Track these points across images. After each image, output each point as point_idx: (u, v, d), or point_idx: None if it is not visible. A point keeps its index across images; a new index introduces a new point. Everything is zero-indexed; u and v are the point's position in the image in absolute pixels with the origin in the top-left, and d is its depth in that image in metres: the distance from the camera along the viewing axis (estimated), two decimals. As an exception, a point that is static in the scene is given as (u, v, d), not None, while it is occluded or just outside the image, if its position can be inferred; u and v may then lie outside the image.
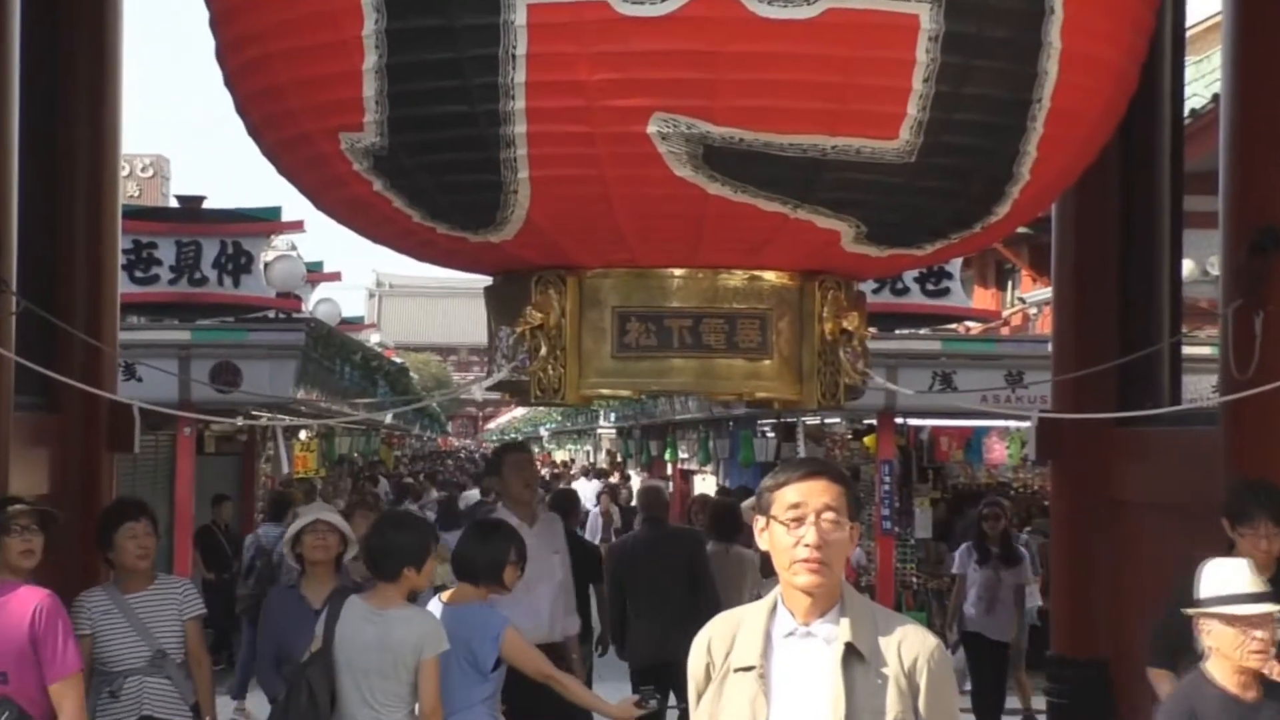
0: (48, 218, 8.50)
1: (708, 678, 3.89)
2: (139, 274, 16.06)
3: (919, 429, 17.86)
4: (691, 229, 5.32)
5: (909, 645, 3.78)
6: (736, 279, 5.67)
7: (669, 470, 30.45)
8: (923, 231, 5.63)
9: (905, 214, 5.39)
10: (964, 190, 5.36)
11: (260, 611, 8.04)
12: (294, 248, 23.27)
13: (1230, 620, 5.01)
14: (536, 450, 50.39)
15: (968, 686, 11.94)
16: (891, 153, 4.98)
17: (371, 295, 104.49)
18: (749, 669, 3.78)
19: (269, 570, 12.51)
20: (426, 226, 5.52)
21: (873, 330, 8.70)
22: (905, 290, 15.90)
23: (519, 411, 63.50)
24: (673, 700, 9.53)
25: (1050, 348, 10.18)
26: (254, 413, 15.49)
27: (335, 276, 27.36)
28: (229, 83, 5.76)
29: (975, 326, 20.78)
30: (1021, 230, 12.24)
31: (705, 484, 24.98)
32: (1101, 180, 8.28)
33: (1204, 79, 14.49)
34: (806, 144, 4.89)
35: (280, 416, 14.45)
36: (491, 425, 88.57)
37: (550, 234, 5.37)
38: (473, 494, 22.73)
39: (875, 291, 15.11)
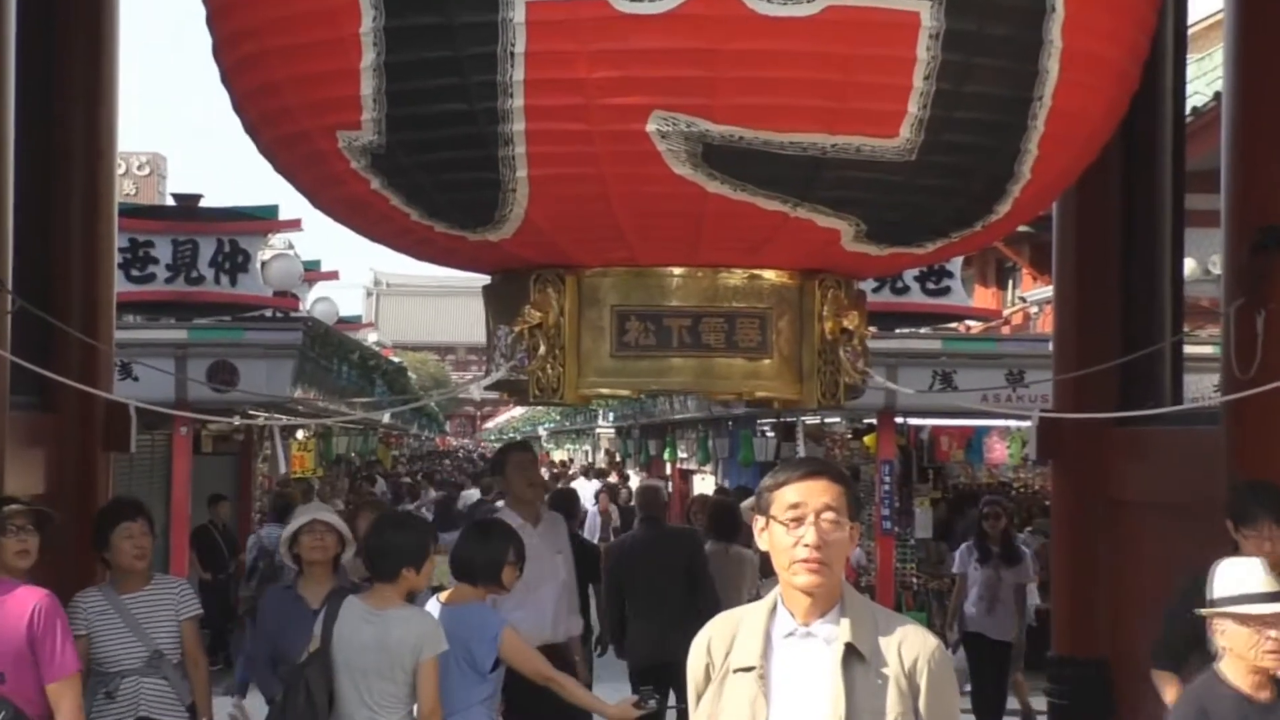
0: (43, 216, 8.48)
1: (707, 678, 3.88)
2: (135, 273, 16.08)
3: (919, 428, 17.86)
4: (691, 228, 5.30)
5: (909, 645, 3.77)
6: (736, 278, 5.66)
7: (668, 470, 30.45)
8: (923, 230, 5.61)
9: (906, 212, 5.38)
10: (965, 188, 5.35)
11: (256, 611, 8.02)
12: (291, 246, 23.30)
13: (1244, 620, 4.98)
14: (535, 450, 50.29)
15: (968, 687, 11.92)
16: (892, 151, 4.96)
17: (369, 294, 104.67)
18: (749, 669, 3.77)
19: (272, 571, 12.51)
20: (424, 225, 5.50)
21: (873, 329, 8.70)
22: (905, 289, 15.92)
23: (517, 411, 63.54)
24: (672, 700, 9.51)
25: (1051, 347, 10.18)
26: (251, 412, 15.49)
27: (333, 275, 27.38)
28: (226, 80, 5.75)
29: (976, 325, 20.78)
30: (1022, 229, 12.24)
31: (704, 484, 25.00)
32: (1103, 179, 8.27)
33: (1206, 77, 14.51)
34: (806, 142, 4.87)
35: (277, 416, 14.45)
36: (490, 425, 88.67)
37: (549, 233, 5.35)
38: (472, 494, 22.73)
39: (875, 290, 15.14)
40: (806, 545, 3.72)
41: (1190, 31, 10.63)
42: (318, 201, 5.91)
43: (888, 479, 16.10)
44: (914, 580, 16.94)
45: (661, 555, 9.97)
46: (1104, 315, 8.95)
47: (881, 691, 3.70)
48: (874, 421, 16.87)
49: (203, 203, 17.60)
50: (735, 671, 3.80)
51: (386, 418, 33.98)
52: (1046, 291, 17.87)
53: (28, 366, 6.91)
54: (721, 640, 3.88)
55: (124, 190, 32.74)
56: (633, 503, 18.84)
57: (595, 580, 10.76)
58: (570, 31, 4.72)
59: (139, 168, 38.44)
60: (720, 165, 4.92)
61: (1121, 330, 8.86)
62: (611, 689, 8.86)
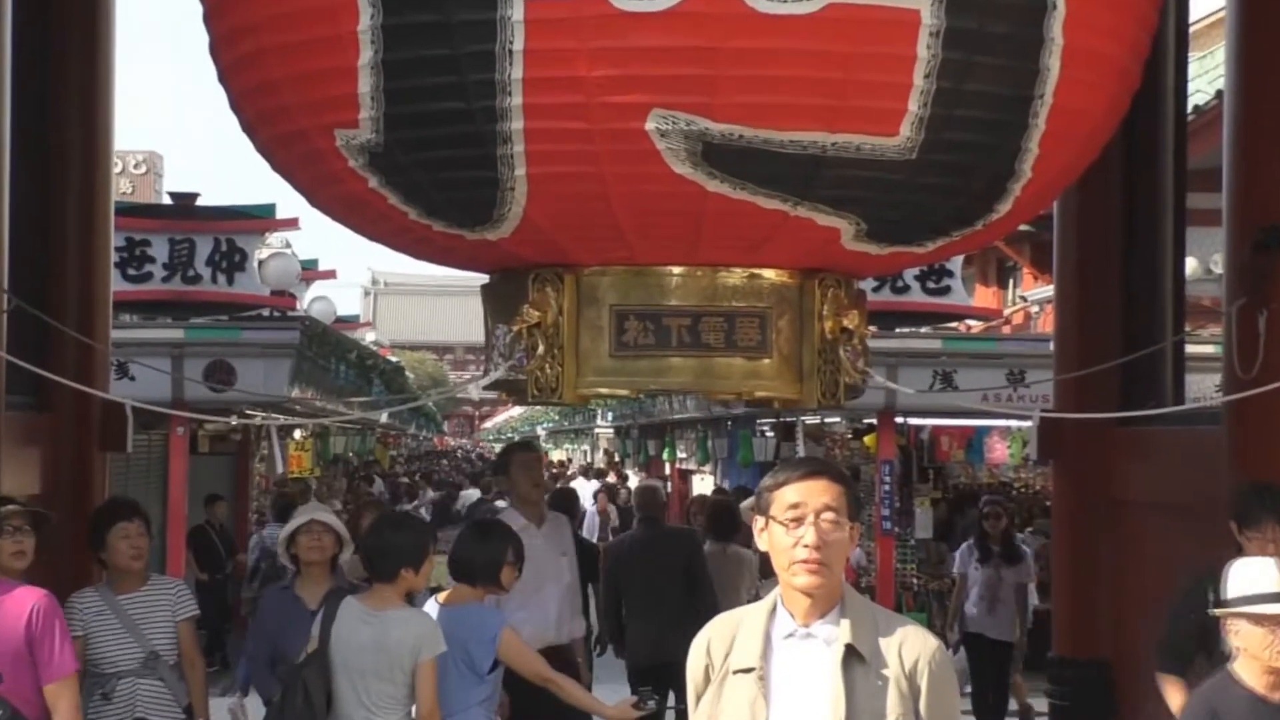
0: (39, 215, 8.46)
1: (707, 679, 3.88)
2: (132, 271, 16.07)
3: (919, 428, 17.85)
4: (690, 226, 5.28)
5: (910, 646, 3.76)
6: (736, 277, 5.64)
7: (667, 470, 30.45)
8: (924, 229, 5.59)
9: (906, 211, 5.35)
10: (965, 187, 5.32)
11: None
12: (288, 245, 23.30)
13: (1259, 620, 4.96)
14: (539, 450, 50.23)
15: (968, 688, 11.90)
16: (892, 149, 4.94)
17: (367, 293, 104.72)
18: (748, 670, 3.77)
19: (274, 571, 12.49)
20: (423, 224, 5.48)
21: (873, 329, 8.68)
22: (906, 288, 15.92)
23: (516, 411, 63.54)
24: (671, 700, 9.49)
25: (1052, 346, 10.17)
26: (248, 412, 15.48)
27: (330, 274, 27.40)
28: (223, 78, 5.73)
29: (976, 325, 20.78)
30: (1023, 228, 12.23)
31: (704, 484, 24.99)
32: (1104, 177, 8.26)
33: (1207, 75, 14.52)
34: (806, 141, 4.85)
35: (275, 416, 14.44)
36: (488, 425, 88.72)
37: (548, 231, 5.33)
38: (471, 494, 22.73)
39: (875, 289, 15.14)
40: (806, 546, 3.71)
41: (1192, 29, 10.63)
42: (315, 200, 5.89)
43: (888, 479, 16.09)
44: (914, 581, 16.93)
45: (660, 555, 9.97)
46: (1105, 315, 8.94)
47: (882, 693, 3.70)
48: (874, 421, 16.85)
49: (200, 201, 17.59)
50: (735, 673, 3.79)
51: (384, 418, 33.99)
52: (1047, 291, 17.85)
53: (23, 366, 6.89)
54: (721, 641, 3.87)
55: (120, 189, 32.77)
56: (631, 503, 18.83)
57: (594, 580, 10.75)
58: (569, 29, 4.70)
59: (135, 166, 38.49)
60: (720, 164, 4.89)
61: (1123, 330, 8.85)
62: (610, 690, 8.85)
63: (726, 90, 4.72)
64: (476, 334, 6.66)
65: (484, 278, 6.22)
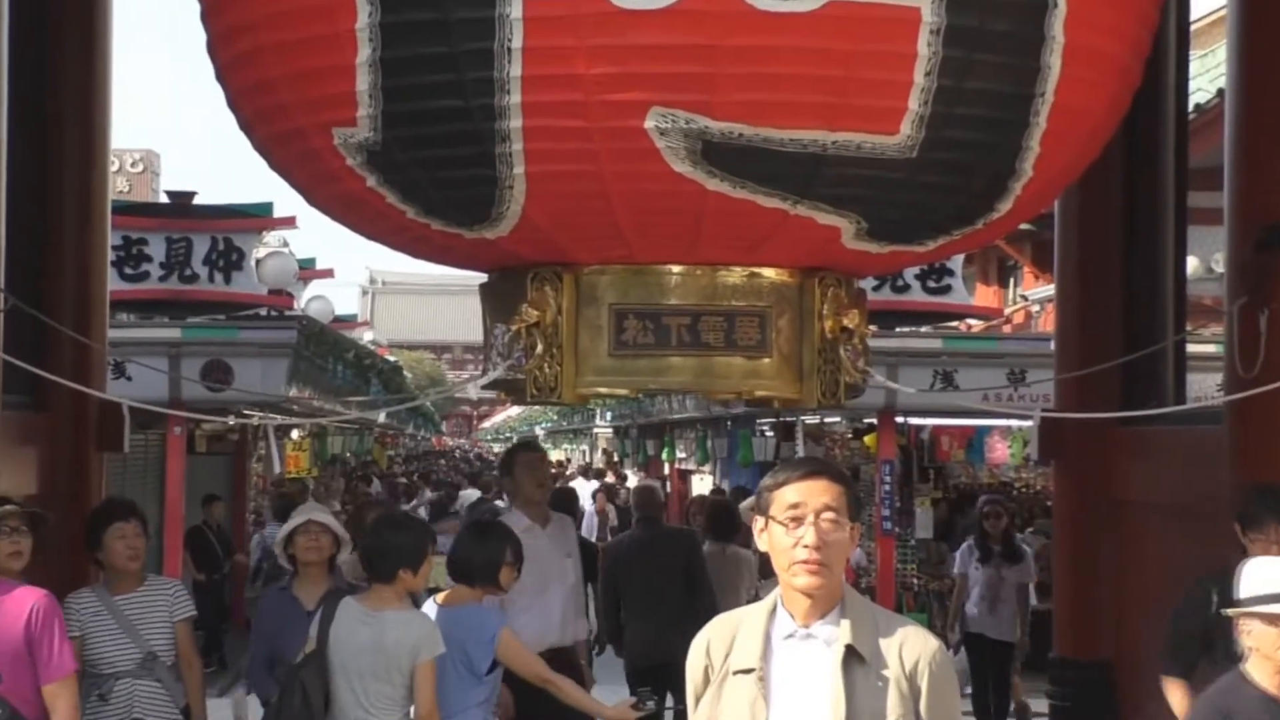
0: (36, 213, 8.43)
1: (706, 680, 3.88)
2: (129, 270, 16.03)
3: (920, 428, 17.85)
4: (690, 225, 5.26)
5: (910, 647, 3.76)
6: (735, 276, 5.62)
7: (666, 470, 30.45)
8: (924, 228, 5.57)
9: (906, 210, 5.34)
10: (966, 186, 5.31)
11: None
12: (286, 244, 23.28)
13: (1272, 620, 4.96)
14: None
15: (969, 689, 11.88)
16: (892, 148, 4.92)
17: (365, 292, 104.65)
18: (748, 671, 3.77)
19: (275, 571, 12.49)
20: (421, 223, 5.46)
21: (873, 328, 8.66)
22: (906, 287, 15.90)
23: (514, 410, 63.55)
24: (669, 701, 9.47)
25: (1053, 346, 10.15)
26: (245, 412, 15.45)
27: (328, 273, 27.42)
28: (220, 76, 5.72)
29: (977, 324, 20.75)
30: (1024, 227, 12.23)
31: (703, 484, 24.99)
32: (1105, 176, 8.24)
33: (1209, 73, 14.51)
34: (806, 139, 4.84)
35: (272, 415, 14.40)
36: (486, 424, 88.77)
37: (546, 230, 5.32)
38: (471, 494, 22.71)
39: (876, 289, 15.12)
40: (806, 546, 3.71)
41: (1193, 28, 10.62)
42: (313, 199, 5.88)
43: (888, 479, 16.08)
44: (915, 581, 16.93)
45: (658, 555, 9.95)
46: (1106, 314, 8.93)
47: (882, 694, 3.70)
48: (874, 421, 16.84)
49: (197, 200, 17.55)
50: (735, 673, 3.79)
51: (382, 417, 33.99)
52: (1048, 290, 17.85)
53: (20, 365, 6.86)
54: (721, 642, 3.87)
55: (117, 187, 32.77)
56: (630, 503, 18.82)
57: (593, 580, 10.74)
58: (568, 27, 4.68)
59: (132, 165, 38.49)
60: (720, 162, 4.88)
61: (1124, 329, 8.83)
62: (609, 690, 8.84)
63: (726, 88, 4.71)
64: (475, 333, 6.65)
65: (482, 277, 6.20)
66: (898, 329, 16.24)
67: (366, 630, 6.20)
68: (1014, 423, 16.32)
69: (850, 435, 19.73)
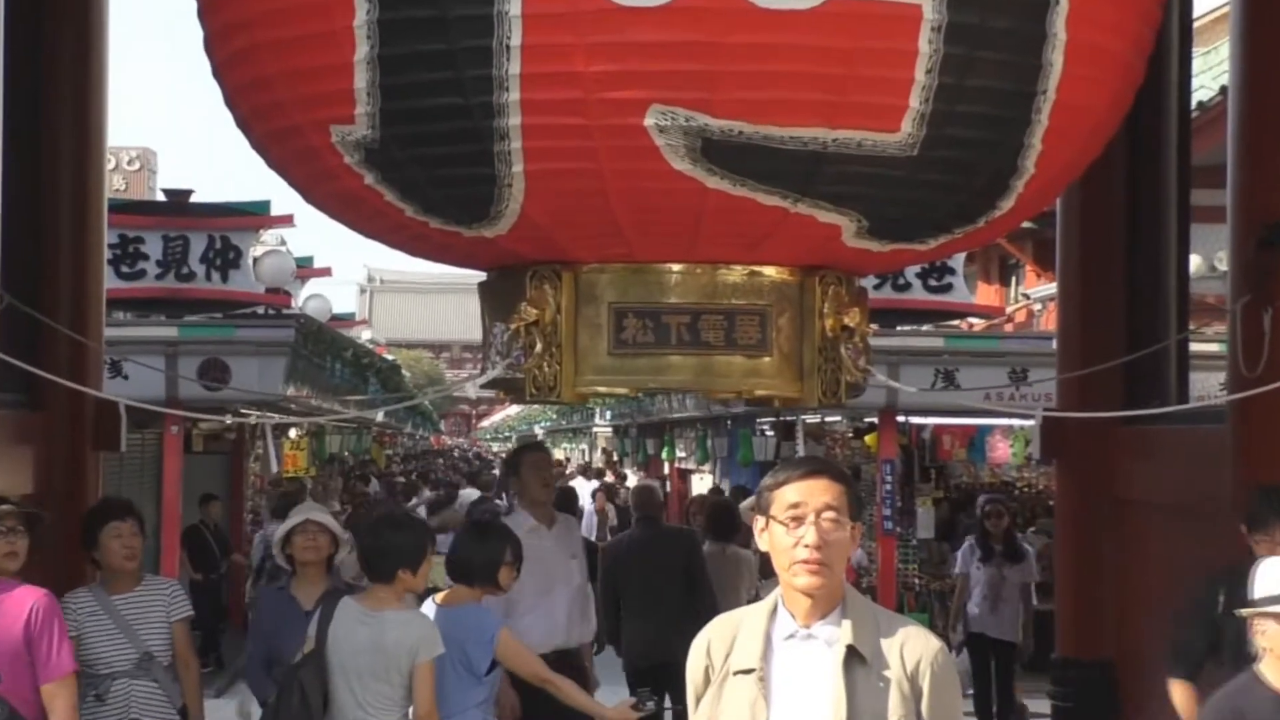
0: (32, 211, 8.42)
1: (707, 680, 3.88)
2: (125, 269, 16.00)
3: (921, 427, 17.85)
4: (690, 223, 5.24)
5: (912, 647, 3.77)
6: (736, 274, 5.60)
7: (666, 469, 30.44)
8: (925, 226, 5.55)
9: (907, 208, 5.32)
10: (967, 184, 5.28)
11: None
12: (283, 242, 23.28)
13: None
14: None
15: (971, 690, 11.86)
16: (893, 145, 4.90)
17: (363, 291, 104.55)
18: (749, 672, 3.77)
19: (278, 570, 12.48)
20: (419, 221, 5.44)
21: (874, 326, 8.64)
22: (907, 286, 15.86)
23: (513, 410, 63.56)
24: (668, 701, 9.46)
25: (1055, 345, 10.14)
26: (243, 410, 15.34)
27: (326, 272, 27.40)
28: (217, 74, 5.69)
29: (978, 323, 20.75)
30: (1026, 225, 12.21)
31: (703, 483, 24.98)
32: (1107, 174, 8.20)
33: (1212, 71, 14.50)
34: (807, 137, 4.81)
35: (269, 414, 14.35)
36: (485, 423, 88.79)
37: (546, 228, 5.30)
38: (471, 493, 22.68)
39: (877, 287, 15.07)
40: (807, 545, 3.71)
41: (1196, 25, 10.63)
42: (311, 197, 5.85)
43: (889, 478, 16.08)
44: (916, 581, 16.93)
45: (658, 555, 9.94)
46: (1108, 313, 8.90)
47: (883, 694, 3.70)
48: (875, 420, 16.83)
49: (194, 198, 17.49)
50: (735, 674, 3.79)
51: (380, 416, 33.92)
52: (1050, 288, 17.85)
53: (16, 364, 6.87)
54: (721, 642, 3.88)
55: (114, 186, 32.72)
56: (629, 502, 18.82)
57: (593, 579, 10.72)
58: (567, 24, 4.66)
59: (129, 163, 38.46)
60: (720, 160, 4.86)
61: (1126, 328, 8.80)
62: (609, 690, 8.83)
63: (726, 86, 4.69)
64: (473, 332, 6.65)
65: (481, 275, 6.17)
66: (899, 328, 16.22)
67: (365, 630, 6.19)
68: (1016, 422, 16.31)
69: (851, 434, 19.73)
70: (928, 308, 16.29)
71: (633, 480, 26.52)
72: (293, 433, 23.22)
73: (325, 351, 18.57)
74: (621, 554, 10.37)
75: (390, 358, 36.88)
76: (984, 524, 12.52)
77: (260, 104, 5.45)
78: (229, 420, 8.00)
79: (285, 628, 6.83)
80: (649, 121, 4.73)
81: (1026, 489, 18.15)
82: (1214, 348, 11.46)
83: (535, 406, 43.75)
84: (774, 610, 3.83)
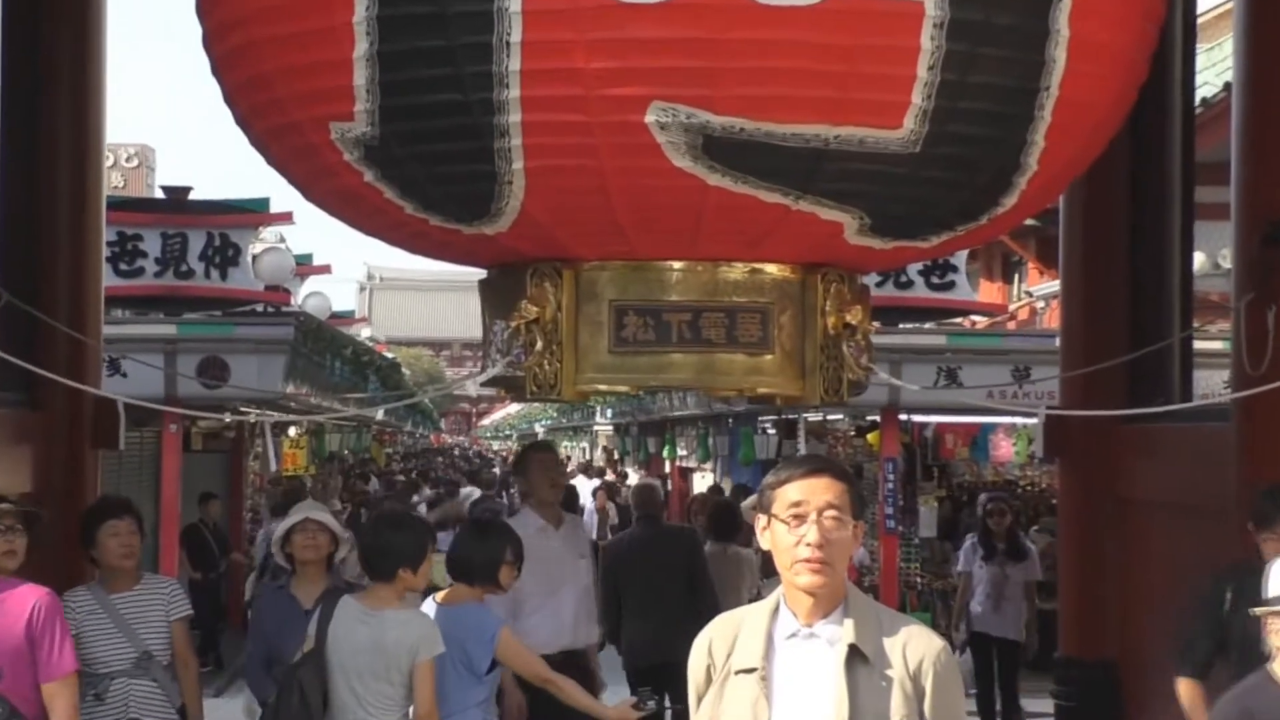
0: (30, 209, 8.44)
1: (708, 680, 3.86)
2: (124, 266, 15.97)
3: (923, 425, 17.83)
4: (691, 221, 5.22)
5: (914, 647, 3.75)
6: (737, 272, 5.58)
7: (667, 468, 30.43)
8: (928, 223, 5.52)
9: (910, 205, 5.29)
10: (970, 181, 5.26)
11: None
12: (283, 240, 23.23)
13: None
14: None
15: (974, 690, 11.84)
16: (896, 142, 4.87)
17: (362, 289, 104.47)
18: (750, 671, 3.75)
19: (281, 568, 12.47)
20: (419, 218, 5.42)
21: (876, 324, 8.63)
22: (910, 283, 15.83)
23: (514, 408, 63.59)
24: (669, 700, 9.44)
25: (1058, 342, 10.13)
26: (242, 409, 15.36)
27: (325, 269, 27.40)
28: (216, 70, 5.67)
29: (981, 321, 20.71)
30: (1029, 222, 12.21)
31: (704, 482, 24.97)
32: (1110, 171, 8.20)
33: (1215, 67, 14.49)
34: (809, 134, 4.78)
35: (269, 413, 14.32)
36: (485, 422, 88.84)
37: (546, 226, 5.28)
38: (472, 492, 22.68)
39: (879, 285, 15.03)
40: (809, 544, 3.70)
41: (1200, 21, 10.63)
42: (310, 195, 5.83)
43: (891, 477, 16.08)
44: (918, 580, 16.92)
45: (659, 554, 9.92)
46: (1112, 310, 8.90)
47: (886, 694, 3.68)
48: (877, 418, 16.84)
49: (192, 195, 17.45)
50: (737, 673, 3.78)
51: (380, 415, 33.94)
52: (1053, 286, 17.85)
53: (14, 362, 6.86)
54: (723, 641, 3.86)
55: (112, 183, 32.75)
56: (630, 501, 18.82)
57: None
58: (568, 20, 4.64)
59: (127, 160, 38.48)
60: (721, 157, 4.84)
61: (1129, 326, 8.81)
62: (610, 690, 8.81)
63: (727, 82, 4.67)
64: (474, 330, 6.64)
65: (481, 273, 6.16)
66: (901, 325, 16.21)
67: (365, 629, 6.18)
68: (1019, 420, 16.32)
69: (853, 433, 19.71)
70: (930, 305, 16.27)
71: (634, 479, 26.51)
72: (292, 431, 23.23)
73: (325, 349, 18.56)
74: (622, 553, 10.35)
75: (390, 355, 36.91)
76: (986, 522, 12.50)
77: (259, 101, 5.43)
78: (228, 418, 8.00)
79: (285, 627, 6.81)
80: (650, 118, 4.71)
81: (1029, 487, 18.15)
82: (1218, 345, 11.46)
83: (536, 405, 43.72)
84: (776, 609, 3.81)
